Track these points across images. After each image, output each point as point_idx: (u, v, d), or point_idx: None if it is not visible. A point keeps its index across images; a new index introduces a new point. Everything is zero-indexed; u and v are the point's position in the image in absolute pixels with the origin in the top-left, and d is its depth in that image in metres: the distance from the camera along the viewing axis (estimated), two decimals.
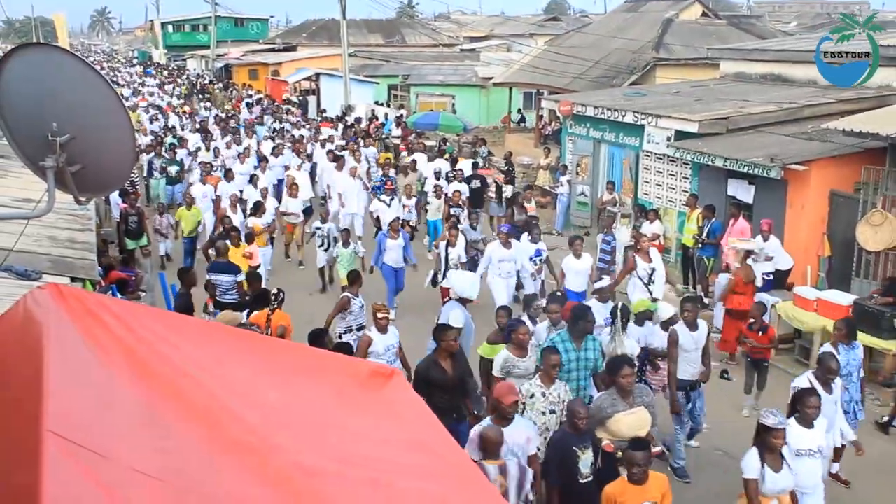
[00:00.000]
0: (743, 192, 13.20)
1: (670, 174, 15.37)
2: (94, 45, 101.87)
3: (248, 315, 9.37)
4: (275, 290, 9.70)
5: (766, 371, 9.47)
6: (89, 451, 2.19)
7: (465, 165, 18.88)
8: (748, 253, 10.98)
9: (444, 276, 11.46)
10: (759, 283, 11.04)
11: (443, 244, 12.08)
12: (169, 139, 22.85)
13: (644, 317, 8.54)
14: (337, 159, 17.90)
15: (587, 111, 17.35)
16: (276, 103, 34.80)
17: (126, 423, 2.43)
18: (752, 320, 9.44)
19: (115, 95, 3.92)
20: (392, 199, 15.66)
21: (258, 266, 12.30)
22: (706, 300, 13.02)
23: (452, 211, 14.76)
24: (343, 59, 31.29)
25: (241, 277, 11.02)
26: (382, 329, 8.15)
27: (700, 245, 13.19)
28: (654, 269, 10.68)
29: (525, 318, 8.45)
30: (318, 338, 7.86)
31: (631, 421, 6.38)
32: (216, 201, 15.89)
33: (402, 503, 2.64)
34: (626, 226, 15.28)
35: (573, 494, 6.00)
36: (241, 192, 15.63)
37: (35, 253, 5.69)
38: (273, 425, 2.69)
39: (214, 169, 18.35)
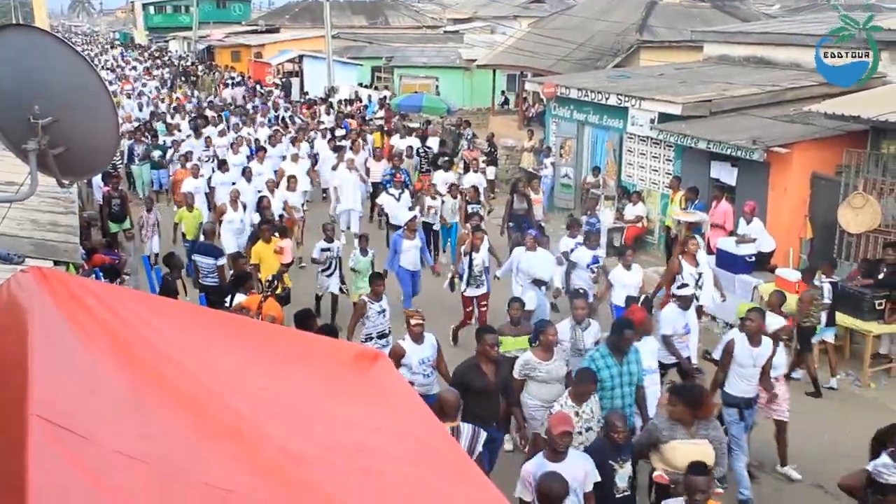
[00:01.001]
0: (726, 174, 13.28)
1: (653, 156, 15.42)
2: (75, 26, 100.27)
3: (232, 299, 9.31)
4: (269, 278, 9.63)
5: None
6: (75, 435, 2.16)
7: (433, 143, 19.13)
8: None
9: (468, 283, 10.46)
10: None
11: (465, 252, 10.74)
12: (159, 125, 22.31)
13: None
14: (338, 150, 17.05)
15: (571, 93, 17.33)
16: (259, 85, 34.50)
17: (111, 408, 2.39)
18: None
19: (97, 77, 3.89)
20: (402, 192, 14.29)
21: (290, 263, 11.46)
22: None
23: (470, 209, 13.45)
24: (326, 40, 31.08)
25: (223, 261, 10.96)
26: (417, 338, 7.31)
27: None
28: (700, 274, 9.72)
29: (569, 321, 7.91)
30: (306, 319, 7.71)
31: (689, 451, 5.67)
32: (209, 195, 15.21)
33: (392, 490, 2.62)
34: (610, 208, 15.36)
35: None
36: (233, 184, 14.84)
37: (17, 236, 5.64)
38: (261, 412, 2.64)
39: (207, 160, 17.50)
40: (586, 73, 19.44)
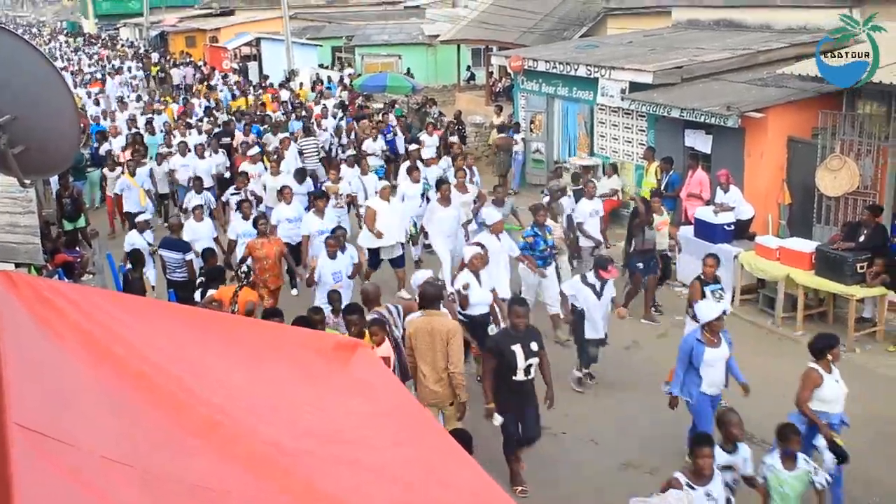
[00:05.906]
0: (700, 142, 13.10)
1: (626, 127, 15.20)
2: (19, 16, 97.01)
3: (203, 294, 9.09)
4: (245, 269, 9.34)
5: None
6: (56, 441, 2.13)
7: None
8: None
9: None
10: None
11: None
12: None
13: None
14: (439, 185, 11.58)
15: (538, 66, 17.01)
16: (216, 71, 33.66)
17: (91, 410, 2.38)
18: None
19: (55, 73, 3.78)
20: (604, 284, 8.64)
21: None
22: (669, 254, 12.98)
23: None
24: (284, 21, 30.30)
25: (191, 256, 10.64)
26: None
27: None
28: None
29: None
30: (274, 315, 7.59)
31: None
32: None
33: (375, 476, 2.63)
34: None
35: None
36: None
37: None
38: (241, 406, 2.67)
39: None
40: (553, 45, 19.10)
